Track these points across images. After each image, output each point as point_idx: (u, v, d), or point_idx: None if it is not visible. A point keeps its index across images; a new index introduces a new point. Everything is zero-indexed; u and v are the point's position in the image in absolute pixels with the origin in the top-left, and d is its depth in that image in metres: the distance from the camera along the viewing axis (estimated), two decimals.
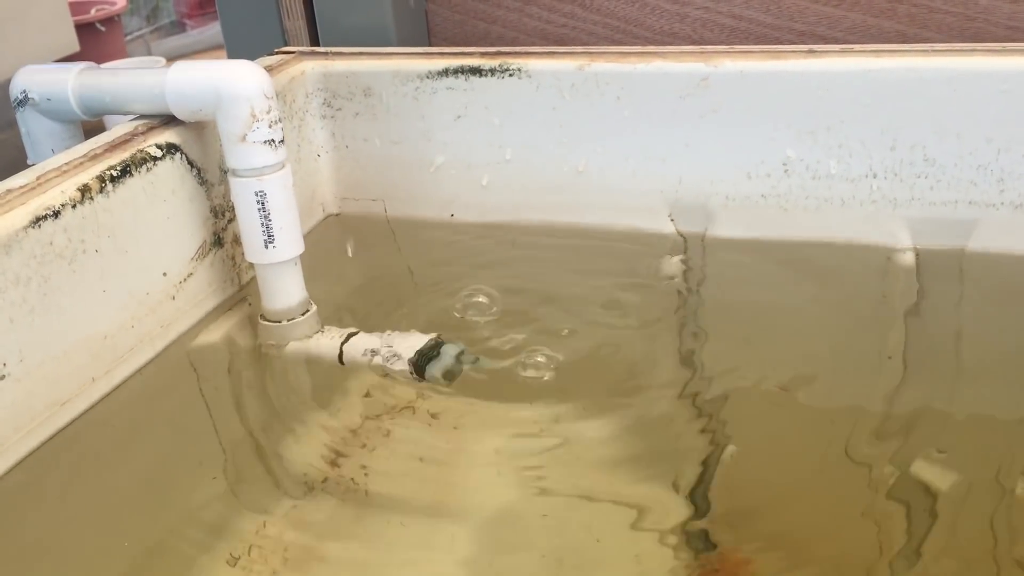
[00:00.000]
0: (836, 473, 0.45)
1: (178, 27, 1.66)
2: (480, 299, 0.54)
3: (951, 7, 0.63)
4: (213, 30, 1.57)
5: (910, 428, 0.46)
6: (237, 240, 0.51)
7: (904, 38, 0.64)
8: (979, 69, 0.51)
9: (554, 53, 0.57)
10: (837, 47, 0.55)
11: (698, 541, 0.41)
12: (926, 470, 0.43)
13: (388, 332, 0.48)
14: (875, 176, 0.55)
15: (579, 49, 0.59)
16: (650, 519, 0.42)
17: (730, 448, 0.46)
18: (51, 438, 0.40)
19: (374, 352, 0.47)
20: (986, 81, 0.52)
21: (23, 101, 0.48)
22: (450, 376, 0.47)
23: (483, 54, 0.57)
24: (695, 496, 0.43)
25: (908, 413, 0.47)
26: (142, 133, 0.46)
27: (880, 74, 0.53)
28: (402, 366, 0.46)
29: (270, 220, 0.46)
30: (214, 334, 0.49)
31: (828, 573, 0.40)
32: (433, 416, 0.50)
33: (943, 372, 0.50)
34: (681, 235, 0.59)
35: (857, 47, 0.55)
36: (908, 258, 0.55)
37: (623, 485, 0.45)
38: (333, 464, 0.48)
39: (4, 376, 0.37)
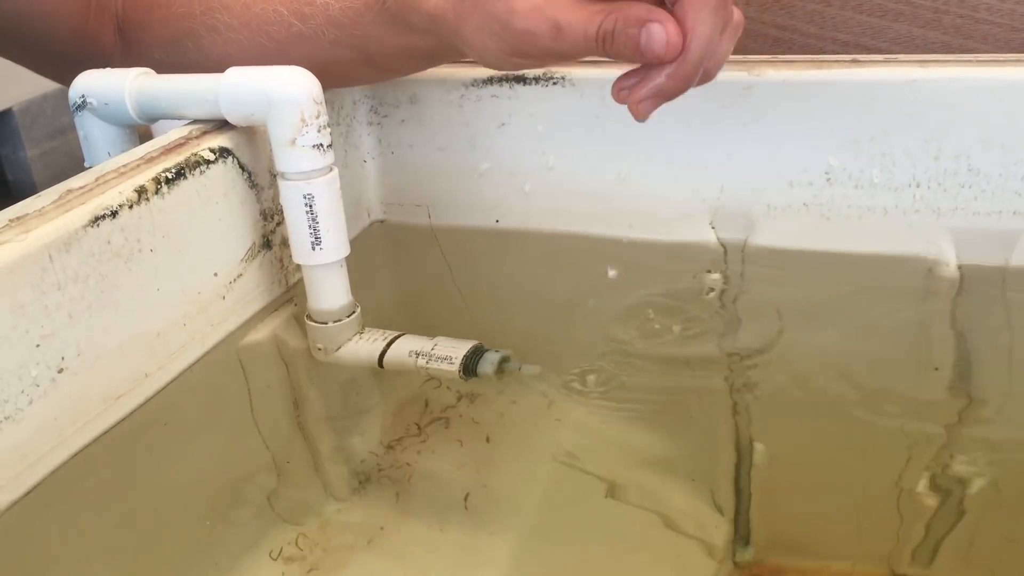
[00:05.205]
0: (876, 484, 0.45)
1: None
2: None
3: (997, 18, 0.62)
4: None
5: (953, 441, 0.46)
6: (285, 243, 0.52)
7: (949, 48, 0.64)
8: None
9: (598, 62, 0.58)
10: (881, 57, 0.55)
11: (737, 549, 0.42)
12: (967, 483, 0.43)
13: (431, 336, 0.48)
14: (918, 185, 0.55)
15: None
16: (689, 528, 0.43)
17: (768, 458, 0.46)
18: (106, 432, 0.41)
19: (419, 354, 0.47)
20: None
21: (81, 105, 0.49)
22: (497, 379, 0.48)
23: None
24: (737, 510, 0.43)
25: (951, 426, 0.47)
26: (196, 137, 0.47)
27: (924, 84, 0.53)
28: (449, 366, 0.46)
29: (317, 222, 0.46)
30: (261, 333, 0.50)
31: None
32: (474, 422, 0.51)
33: (988, 382, 0.50)
34: (722, 243, 0.59)
35: (902, 57, 0.55)
36: (951, 268, 0.55)
37: (661, 491, 0.45)
38: (375, 467, 0.48)
39: (63, 370, 0.39)
